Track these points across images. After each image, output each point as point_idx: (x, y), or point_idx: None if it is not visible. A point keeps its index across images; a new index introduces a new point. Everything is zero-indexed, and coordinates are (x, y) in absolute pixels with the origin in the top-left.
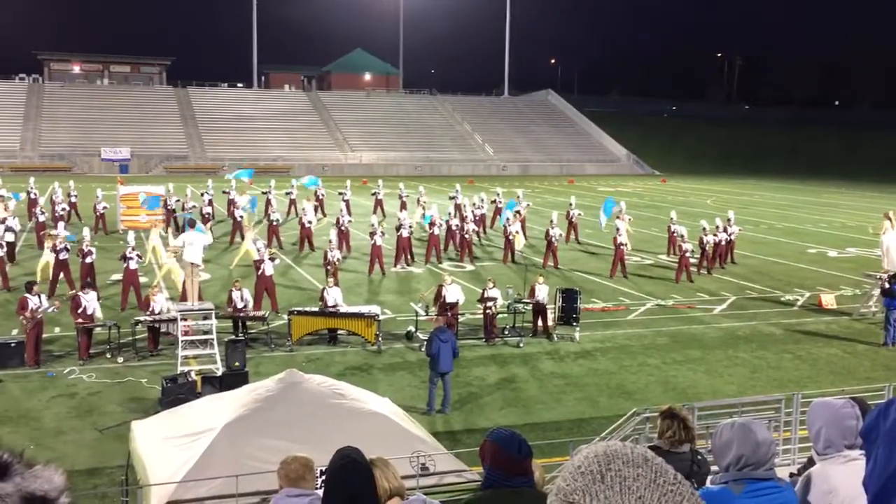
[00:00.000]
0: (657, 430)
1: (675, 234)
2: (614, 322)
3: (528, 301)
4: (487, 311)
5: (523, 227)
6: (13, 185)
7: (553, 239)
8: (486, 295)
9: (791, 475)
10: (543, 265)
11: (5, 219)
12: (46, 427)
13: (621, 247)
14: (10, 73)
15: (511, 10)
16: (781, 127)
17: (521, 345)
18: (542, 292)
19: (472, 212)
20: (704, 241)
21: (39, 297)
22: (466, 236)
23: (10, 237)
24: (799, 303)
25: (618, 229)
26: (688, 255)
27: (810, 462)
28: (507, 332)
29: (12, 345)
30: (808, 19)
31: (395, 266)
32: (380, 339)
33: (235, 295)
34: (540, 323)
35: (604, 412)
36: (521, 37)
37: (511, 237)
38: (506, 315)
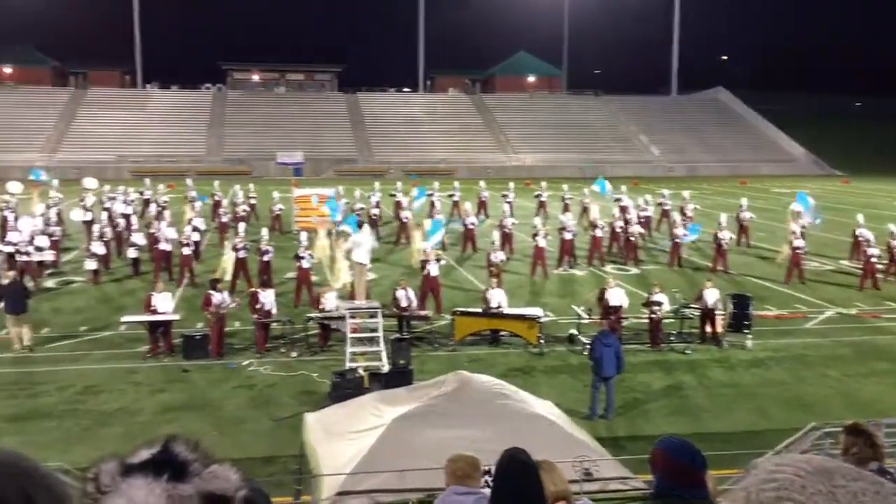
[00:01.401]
0: (840, 446)
1: (861, 239)
2: (790, 330)
3: (695, 306)
4: (653, 315)
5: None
6: (199, 188)
7: (722, 242)
8: (651, 299)
9: None
10: (712, 269)
11: (192, 219)
12: (227, 416)
13: (797, 251)
14: (197, 82)
15: (680, 5)
16: None
17: (689, 351)
18: (711, 297)
19: (638, 214)
20: (893, 246)
21: (222, 293)
22: (631, 239)
23: (196, 237)
24: None
25: (793, 232)
26: (874, 260)
27: None
28: (673, 338)
29: (198, 338)
30: None
31: (557, 268)
32: (542, 341)
33: (400, 294)
34: (709, 329)
35: (778, 425)
36: (690, 33)
37: (678, 240)
38: (672, 320)
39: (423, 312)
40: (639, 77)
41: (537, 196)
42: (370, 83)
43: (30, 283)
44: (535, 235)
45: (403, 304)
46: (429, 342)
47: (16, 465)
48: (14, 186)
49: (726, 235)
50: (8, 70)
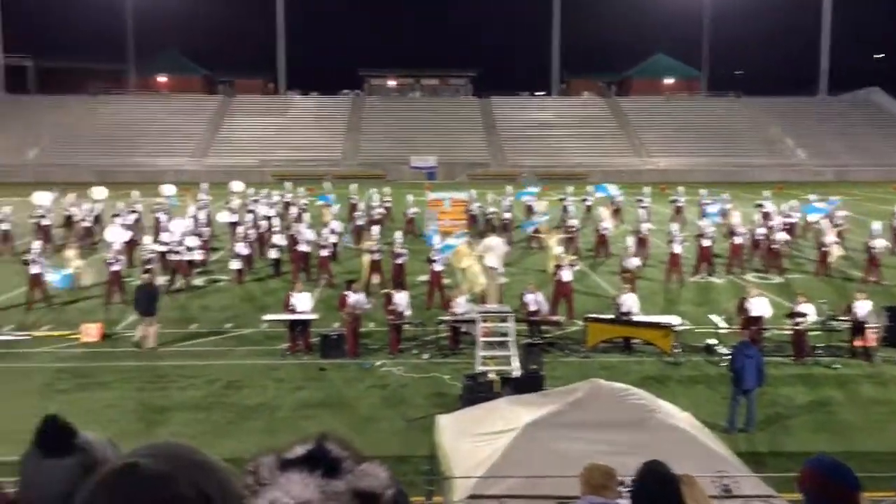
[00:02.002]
0: None
1: None
2: None
3: (845, 318)
4: (797, 327)
5: (841, 238)
6: (337, 192)
7: (875, 251)
8: (795, 310)
9: None
10: (864, 280)
11: (329, 222)
12: (361, 414)
13: None
14: (336, 89)
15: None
16: None
17: (836, 366)
18: (863, 309)
19: (782, 220)
20: None
21: (358, 294)
22: (774, 247)
23: (333, 239)
24: None
25: None
26: None
27: None
28: (819, 352)
29: (334, 337)
30: None
31: (694, 275)
32: (677, 350)
33: (529, 298)
34: (859, 343)
35: None
36: (841, 30)
37: (826, 248)
38: (819, 333)
39: (555, 318)
40: (784, 77)
41: (673, 201)
42: (504, 87)
43: (180, 281)
44: (670, 242)
45: (532, 308)
46: (560, 348)
47: (189, 457)
48: (167, 189)
49: (880, 244)
50: (163, 79)
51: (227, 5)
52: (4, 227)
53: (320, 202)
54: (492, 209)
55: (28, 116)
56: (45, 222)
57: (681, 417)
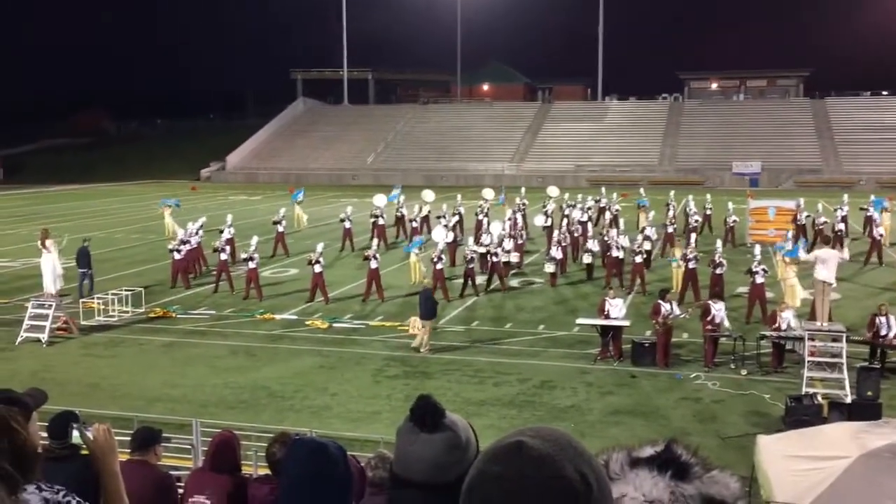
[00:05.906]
0: None
1: None
2: None
3: None
4: None
5: None
6: (650, 198)
7: None
8: None
9: None
10: None
11: (644, 228)
12: (673, 426)
13: None
14: (654, 93)
15: None
16: None
17: None
18: None
19: None
20: None
21: (671, 303)
22: None
23: (647, 245)
24: None
25: None
26: None
27: None
28: None
29: (646, 345)
30: None
31: None
32: None
33: (880, 321)
34: None
35: None
36: None
37: None
38: None
39: None
40: None
41: None
42: (841, 87)
43: (497, 282)
44: None
45: (883, 331)
46: None
47: (569, 442)
48: (487, 193)
49: None
50: (486, 88)
51: (549, 15)
52: (347, 224)
53: (640, 206)
54: (823, 219)
55: (368, 124)
56: (380, 221)
57: None
